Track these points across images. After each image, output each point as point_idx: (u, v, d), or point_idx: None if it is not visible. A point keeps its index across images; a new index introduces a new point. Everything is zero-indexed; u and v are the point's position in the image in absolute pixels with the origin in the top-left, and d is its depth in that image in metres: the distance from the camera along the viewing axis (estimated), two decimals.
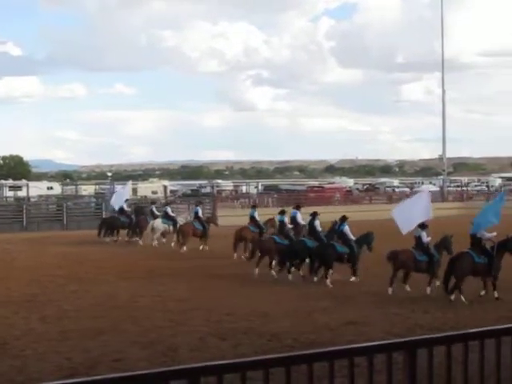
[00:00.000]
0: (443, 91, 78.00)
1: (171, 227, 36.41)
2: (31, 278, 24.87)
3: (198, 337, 15.60)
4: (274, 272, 24.90)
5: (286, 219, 27.53)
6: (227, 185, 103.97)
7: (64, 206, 51.11)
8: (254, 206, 35.20)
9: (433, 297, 20.68)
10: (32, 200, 62.09)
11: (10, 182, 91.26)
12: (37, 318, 17.96)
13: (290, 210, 29.15)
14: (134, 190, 69.82)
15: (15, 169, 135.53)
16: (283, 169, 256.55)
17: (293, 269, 24.61)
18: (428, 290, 21.28)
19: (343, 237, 24.30)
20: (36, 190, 72.20)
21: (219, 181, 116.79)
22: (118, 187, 53.03)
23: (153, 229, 36.24)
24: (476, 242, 20.93)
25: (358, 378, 5.78)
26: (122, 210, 39.24)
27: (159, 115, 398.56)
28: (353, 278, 23.78)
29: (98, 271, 26.58)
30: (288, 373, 5.46)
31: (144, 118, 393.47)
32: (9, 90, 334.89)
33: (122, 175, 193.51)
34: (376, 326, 16.60)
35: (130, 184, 48.19)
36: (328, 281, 23.10)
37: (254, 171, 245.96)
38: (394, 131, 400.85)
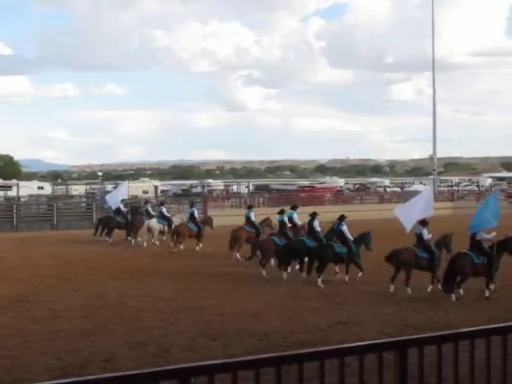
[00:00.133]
0: (434, 91, 78.09)
1: (166, 227, 36.44)
2: (21, 277, 24.79)
3: (188, 337, 15.57)
4: (264, 272, 24.93)
5: (286, 219, 27.54)
6: (218, 184, 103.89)
7: (54, 205, 50.97)
8: (249, 207, 35.21)
9: (425, 296, 20.72)
10: (22, 200, 61.86)
11: (0, 181, 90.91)
12: (27, 318, 17.90)
13: (284, 209, 29.06)
14: None
15: (5, 168, 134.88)
16: (274, 168, 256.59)
17: (289, 269, 24.70)
18: (429, 288, 21.42)
19: (341, 236, 24.35)
20: (26, 189, 72.01)
21: (210, 180, 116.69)
22: (110, 187, 52.96)
23: (149, 229, 36.23)
24: (475, 242, 21.03)
25: (348, 378, 5.77)
26: (118, 210, 39.17)
27: (150, 115, 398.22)
28: (345, 277, 23.84)
29: (88, 271, 26.54)
30: (279, 373, 5.45)
31: (135, 117, 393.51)
32: None
33: (113, 175, 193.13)
34: (368, 325, 16.61)
35: (127, 184, 48.02)
36: (319, 280, 23.13)
37: (245, 171, 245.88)
38: (385, 131, 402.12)
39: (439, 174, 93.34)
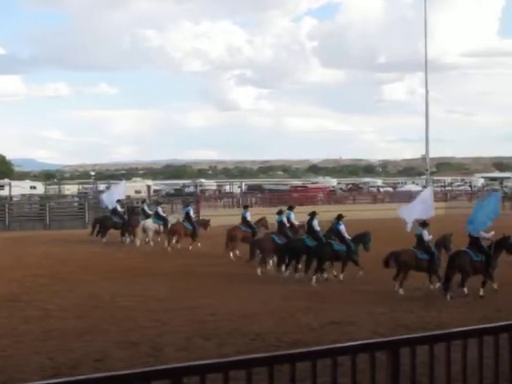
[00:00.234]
0: (426, 91, 78.33)
1: (162, 227, 36.43)
2: (13, 277, 24.75)
3: (182, 337, 15.55)
4: (259, 270, 25.07)
5: (285, 219, 27.57)
6: (210, 184, 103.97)
7: (47, 205, 50.92)
8: (246, 207, 35.36)
9: (418, 296, 20.75)
10: (15, 199, 61.84)
11: None
12: (19, 317, 17.86)
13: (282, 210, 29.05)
14: None
15: None
16: (266, 168, 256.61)
17: (290, 269, 24.78)
18: (431, 287, 21.56)
19: (339, 235, 24.42)
20: (19, 189, 72.00)
21: (203, 180, 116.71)
22: (103, 187, 52.89)
23: (144, 229, 36.20)
24: (474, 240, 21.16)
25: (341, 378, 5.77)
26: (115, 210, 39.11)
27: (143, 115, 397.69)
28: (341, 275, 23.85)
29: (81, 271, 26.51)
30: (271, 372, 5.45)
31: (127, 117, 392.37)
32: None
33: (105, 175, 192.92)
34: (360, 325, 16.61)
35: (124, 184, 47.99)
36: (314, 278, 23.19)
37: (238, 171, 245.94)
38: (377, 131, 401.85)
39: (431, 174, 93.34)
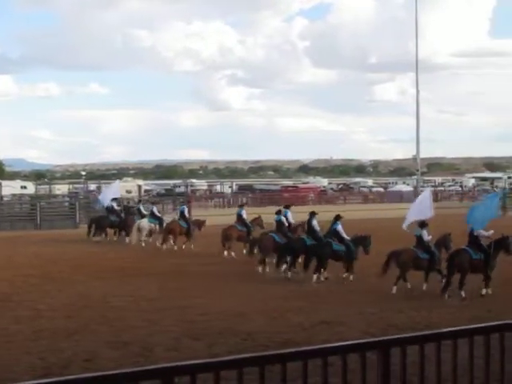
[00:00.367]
0: (417, 91, 78.43)
1: (157, 226, 36.45)
2: (4, 277, 24.65)
3: (172, 336, 15.53)
4: (260, 269, 25.29)
5: (283, 219, 27.59)
6: (201, 184, 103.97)
7: (37, 205, 50.78)
8: (241, 205, 35.40)
9: (408, 296, 20.76)
10: (5, 199, 61.68)
11: None
12: (10, 317, 17.81)
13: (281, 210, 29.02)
14: None
15: None
16: (257, 168, 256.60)
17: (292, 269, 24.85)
18: (424, 287, 21.58)
19: (337, 236, 24.43)
20: (9, 189, 71.79)
21: (193, 180, 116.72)
22: (94, 186, 52.87)
23: (139, 229, 36.16)
24: (473, 239, 21.23)
25: (331, 378, 5.77)
26: (111, 208, 39.02)
27: (134, 115, 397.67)
28: (345, 275, 23.83)
29: (71, 271, 26.44)
30: (262, 372, 5.45)
31: (118, 117, 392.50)
32: None
33: (96, 175, 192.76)
34: (351, 325, 16.61)
35: (118, 183, 47.93)
36: (315, 277, 23.28)
37: (229, 171, 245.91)
38: (368, 131, 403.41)
39: (422, 174, 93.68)
